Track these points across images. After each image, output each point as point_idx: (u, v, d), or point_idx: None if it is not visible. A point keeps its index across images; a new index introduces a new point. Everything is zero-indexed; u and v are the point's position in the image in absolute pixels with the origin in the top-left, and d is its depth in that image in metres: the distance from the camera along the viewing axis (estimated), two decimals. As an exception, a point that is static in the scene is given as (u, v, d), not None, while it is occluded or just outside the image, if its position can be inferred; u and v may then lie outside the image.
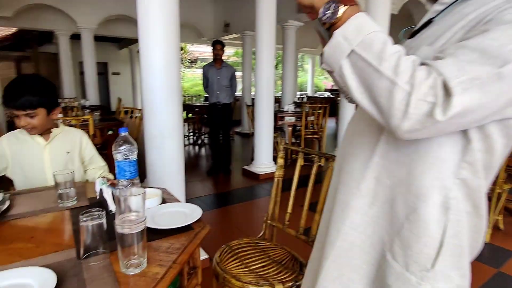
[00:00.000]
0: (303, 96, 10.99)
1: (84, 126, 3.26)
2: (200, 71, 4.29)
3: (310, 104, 5.03)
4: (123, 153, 1.18)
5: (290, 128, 4.65)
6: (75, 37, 8.00)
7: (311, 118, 4.72)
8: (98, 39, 10.10)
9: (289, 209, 1.51)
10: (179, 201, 1.24)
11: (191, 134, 6.71)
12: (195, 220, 1.01)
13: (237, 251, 1.43)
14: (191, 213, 1.09)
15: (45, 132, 1.45)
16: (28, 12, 6.91)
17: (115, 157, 1.19)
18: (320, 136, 4.85)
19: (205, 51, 16.51)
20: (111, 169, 1.42)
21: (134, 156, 1.21)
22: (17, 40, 9.42)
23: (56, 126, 1.53)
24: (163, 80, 2.03)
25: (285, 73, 6.82)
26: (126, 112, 4.50)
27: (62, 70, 8.02)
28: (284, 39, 6.63)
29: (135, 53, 11.97)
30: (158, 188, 1.31)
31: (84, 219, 0.78)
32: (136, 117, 4.12)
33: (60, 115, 3.50)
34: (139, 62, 2.08)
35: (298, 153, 1.53)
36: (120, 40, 11.81)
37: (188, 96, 10.66)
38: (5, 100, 1.30)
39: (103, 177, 1.21)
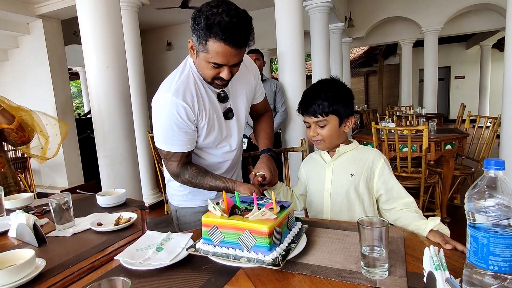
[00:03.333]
0: None
1: (416, 138, 2.78)
2: None
3: None
4: (491, 215, 0.55)
5: None
6: (418, 45, 7.76)
7: None
8: (441, 42, 9.32)
9: None
10: None
11: None
12: None
13: None
14: None
15: (334, 148, 1.17)
16: (377, 29, 7.50)
17: (469, 214, 0.58)
18: None
19: None
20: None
21: (517, 225, 0.54)
22: (368, 56, 10.71)
23: (348, 142, 1.19)
24: None
25: None
26: (472, 121, 3.52)
27: (402, 79, 8.10)
28: None
29: (487, 49, 9.85)
30: None
31: None
32: (488, 127, 3.06)
33: (392, 124, 3.25)
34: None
35: None
36: (468, 38, 10.19)
37: None
38: (300, 106, 1.15)
39: (437, 249, 0.64)
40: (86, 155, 4.95)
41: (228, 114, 1.16)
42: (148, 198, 3.80)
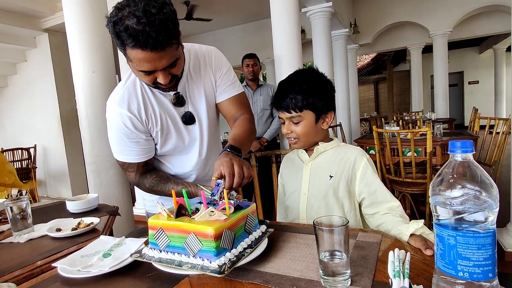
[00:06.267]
0: None
1: (421, 141, 2.64)
2: None
3: None
4: (457, 208, 0.45)
5: None
6: (429, 51, 7.57)
7: None
8: (453, 46, 9.07)
9: None
10: None
11: None
12: None
13: None
14: None
15: (312, 146, 1.06)
16: (384, 35, 7.38)
17: (434, 209, 0.48)
18: None
19: None
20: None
21: (490, 221, 0.44)
22: (376, 64, 10.56)
23: (328, 139, 1.08)
24: None
25: None
26: (484, 127, 3.34)
27: (413, 85, 7.91)
28: None
29: (501, 53, 9.55)
30: None
31: None
32: (499, 133, 2.87)
33: (396, 128, 3.11)
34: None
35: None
36: (481, 42, 9.92)
37: None
38: (274, 99, 1.05)
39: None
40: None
41: (188, 119, 1.04)
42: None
